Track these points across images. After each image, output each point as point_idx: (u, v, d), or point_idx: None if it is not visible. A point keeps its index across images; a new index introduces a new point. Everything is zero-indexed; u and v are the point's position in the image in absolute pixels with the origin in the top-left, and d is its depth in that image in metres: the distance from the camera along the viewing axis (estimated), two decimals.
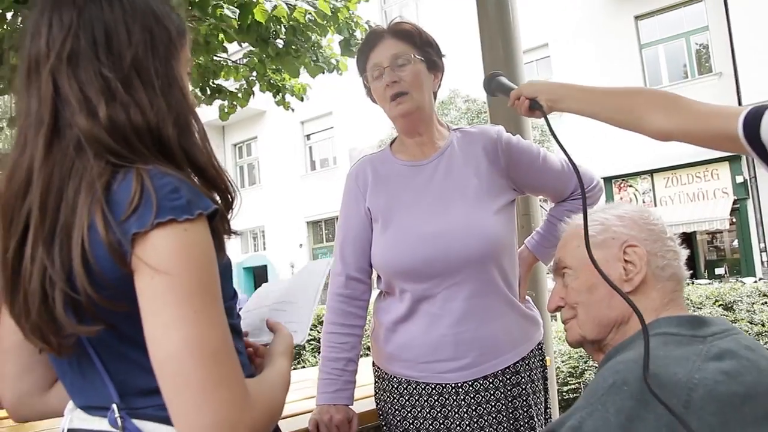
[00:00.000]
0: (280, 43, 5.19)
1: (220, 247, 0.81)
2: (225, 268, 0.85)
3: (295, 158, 19.28)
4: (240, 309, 0.99)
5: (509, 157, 1.61)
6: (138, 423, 0.80)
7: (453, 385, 1.54)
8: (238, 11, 4.39)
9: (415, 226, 1.56)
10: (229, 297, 0.88)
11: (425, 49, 1.61)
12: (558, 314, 1.18)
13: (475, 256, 1.52)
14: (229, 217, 0.87)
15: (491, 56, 2.95)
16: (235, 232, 0.88)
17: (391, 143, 1.74)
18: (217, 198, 0.85)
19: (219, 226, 0.81)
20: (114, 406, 0.80)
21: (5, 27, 4.35)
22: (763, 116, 0.99)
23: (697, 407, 0.85)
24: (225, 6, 4.40)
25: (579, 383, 4.25)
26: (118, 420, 0.79)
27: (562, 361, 4.36)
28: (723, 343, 0.94)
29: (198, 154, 0.84)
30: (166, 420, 0.76)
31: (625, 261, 1.07)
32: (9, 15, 4.26)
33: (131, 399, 0.81)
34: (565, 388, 4.24)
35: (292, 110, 6.03)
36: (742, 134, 1.00)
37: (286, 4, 4.44)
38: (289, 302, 1.08)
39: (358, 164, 1.73)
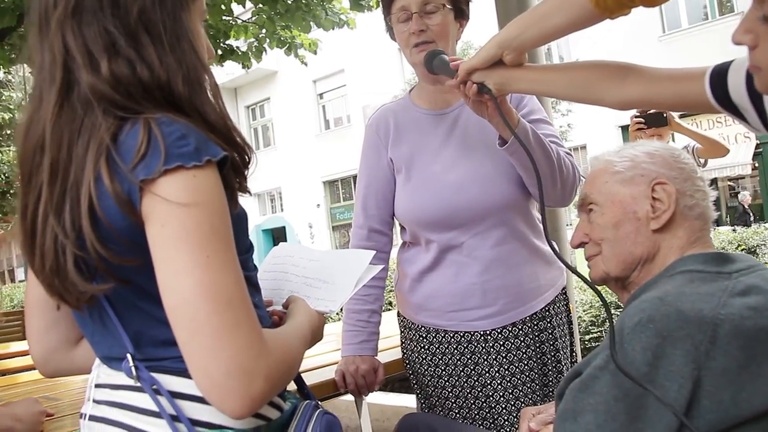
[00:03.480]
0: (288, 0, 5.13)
1: (231, 197, 0.80)
2: (239, 219, 0.84)
3: (308, 118, 19.19)
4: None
5: (525, 108, 1.58)
6: (155, 376, 0.81)
7: (482, 332, 1.56)
8: None
9: (440, 174, 1.54)
10: (245, 250, 0.87)
11: None
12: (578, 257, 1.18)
13: (501, 203, 1.51)
14: (246, 174, 0.86)
15: (504, 5, 2.88)
16: (248, 191, 0.87)
17: (410, 90, 1.71)
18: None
19: (230, 176, 0.80)
20: (128, 355, 0.81)
21: None
22: (728, 75, 0.97)
23: (723, 342, 0.85)
24: None
25: (601, 332, 4.26)
26: (133, 369, 0.80)
27: (584, 311, 4.36)
28: (748, 279, 0.94)
29: (209, 111, 0.83)
30: (183, 372, 0.77)
31: (654, 198, 1.06)
32: None
33: (148, 350, 0.82)
34: (587, 337, 4.26)
35: (305, 64, 5.98)
36: (711, 96, 0.98)
37: None
38: (325, 281, 1.07)
39: (378, 114, 1.70)
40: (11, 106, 11.62)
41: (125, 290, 0.80)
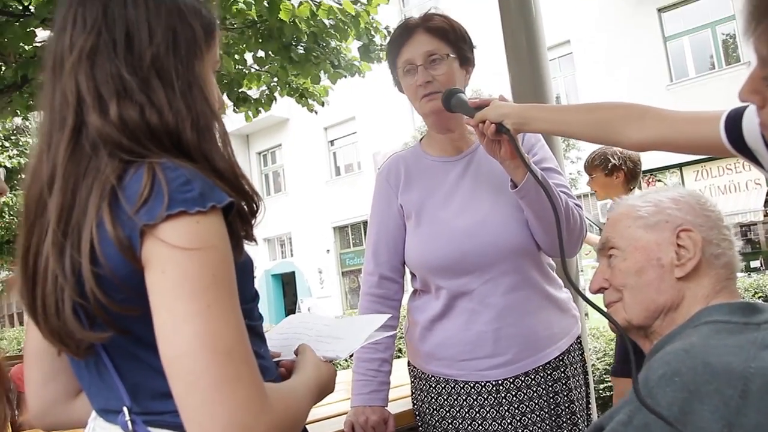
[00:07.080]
0: (300, 49, 5.25)
1: (236, 245, 0.78)
2: (245, 267, 0.82)
3: (319, 164, 19.35)
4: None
5: (536, 156, 1.58)
6: (153, 431, 0.77)
7: (493, 382, 1.51)
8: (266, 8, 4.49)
9: (450, 220, 1.53)
10: (250, 299, 0.85)
11: (459, 45, 1.57)
12: (591, 312, 1.14)
13: (513, 248, 1.49)
14: (253, 223, 0.84)
15: (515, 54, 2.90)
16: (255, 239, 0.85)
17: (421, 139, 1.72)
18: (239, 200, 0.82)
19: (235, 223, 0.78)
20: (125, 408, 0.78)
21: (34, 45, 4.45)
22: (743, 120, 0.96)
23: (755, 398, 0.81)
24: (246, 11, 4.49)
25: None
26: (129, 423, 0.77)
27: (598, 359, 4.27)
28: None
29: (217, 158, 0.81)
30: (182, 427, 0.73)
31: (678, 245, 1.03)
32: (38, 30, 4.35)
33: (146, 402, 0.78)
34: (602, 386, 4.15)
35: (315, 113, 6.09)
36: (726, 140, 0.98)
37: (312, 1, 4.50)
38: (336, 338, 1.06)
39: (389, 162, 1.70)
40: (27, 151, 11.83)
41: (123, 340, 0.77)
